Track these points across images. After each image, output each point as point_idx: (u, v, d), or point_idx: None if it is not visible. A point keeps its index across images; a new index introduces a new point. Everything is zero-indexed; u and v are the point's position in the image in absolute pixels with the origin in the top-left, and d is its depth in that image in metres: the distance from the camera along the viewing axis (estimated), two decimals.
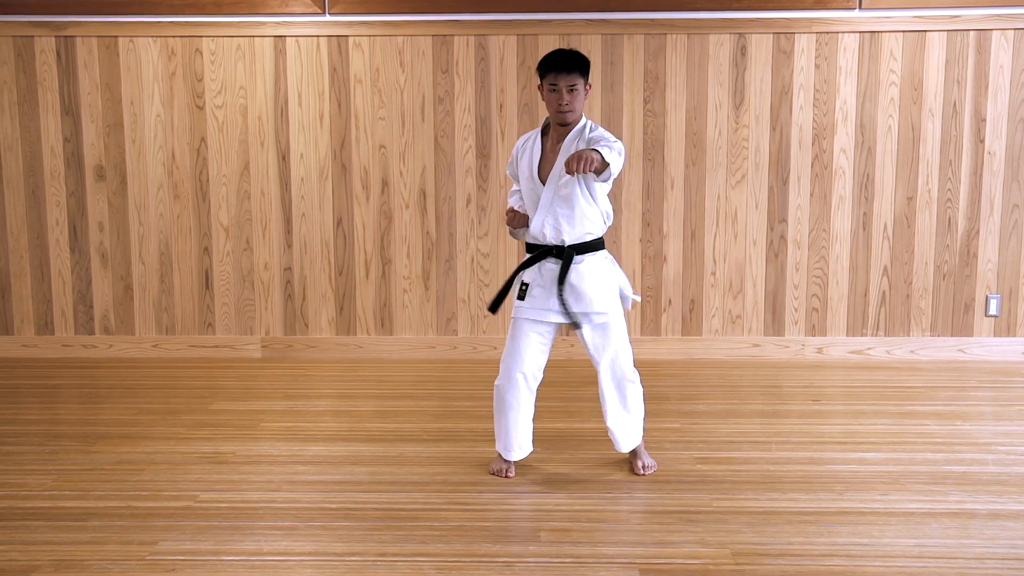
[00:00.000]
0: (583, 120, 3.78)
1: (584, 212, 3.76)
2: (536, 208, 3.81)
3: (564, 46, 5.69)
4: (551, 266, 3.81)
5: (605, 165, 3.51)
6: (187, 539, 3.38)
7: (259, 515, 3.59)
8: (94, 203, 5.95)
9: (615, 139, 3.67)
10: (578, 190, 3.73)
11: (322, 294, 6.00)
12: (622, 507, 3.64)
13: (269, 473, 4.03)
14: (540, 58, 3.80)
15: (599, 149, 3.52)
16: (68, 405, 5.18)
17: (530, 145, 3.87)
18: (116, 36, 5.80)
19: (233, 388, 5.38)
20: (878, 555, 3.22)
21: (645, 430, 4.58)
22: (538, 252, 3.84)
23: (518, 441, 3.95)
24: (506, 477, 3.94)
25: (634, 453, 4.03)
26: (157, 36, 5.79)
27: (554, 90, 3.69)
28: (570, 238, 3.77)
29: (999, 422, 4.71)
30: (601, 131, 3.73)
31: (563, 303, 3.77)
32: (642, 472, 3.96)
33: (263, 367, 5.84)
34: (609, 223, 3.90)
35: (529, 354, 3.87)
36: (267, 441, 4.44)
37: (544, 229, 3.78)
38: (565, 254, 3.77)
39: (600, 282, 3.81)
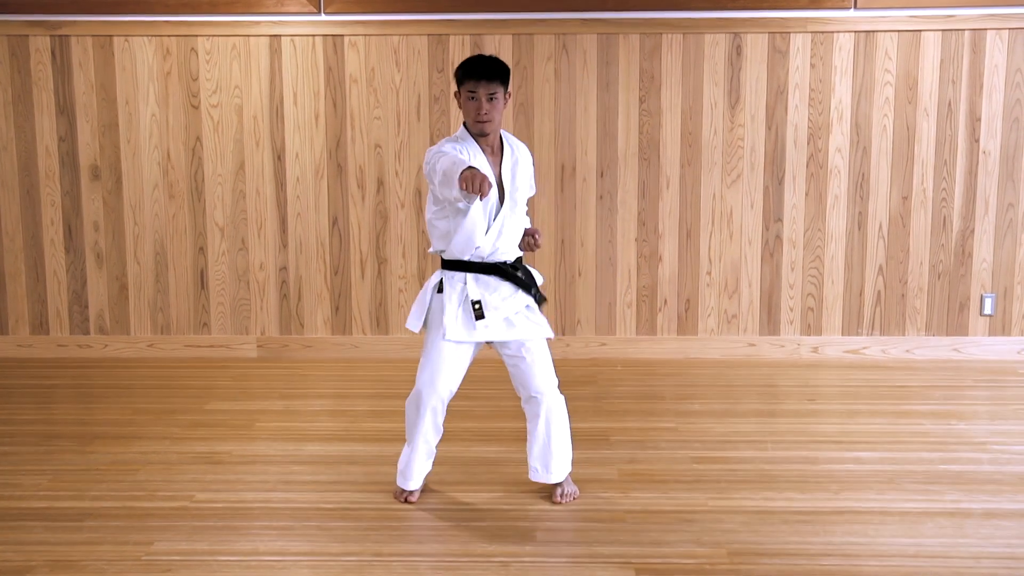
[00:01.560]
0: (502, 133, 3.62)
1: (520, 230, 3.66)
2: (481, 224, 3.51)
3: (559, 46, 5.70)
4: (498, 283, 3.57)
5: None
6: (183, 539, 3.37)
7: (255, 515, 3.59)
8: (89, 203, 5.94)
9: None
10: (524, 209, 3.70)
11: (318, 294, 6.00)
12: (618, 506, 3.64)
13: (265, 473, 4.02)
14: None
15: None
16: (63, 405, 5.17)
17: (471, 155, 3.51)
18: (111, 35, 5.79)
19: (229, 388, 5.38)
20: (874, 554, 3.22)
21: (640, 430, 4.60)
22: (480, 270, 3.57)
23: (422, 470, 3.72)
24: (407, 502, 3.69)
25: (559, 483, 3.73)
26: (152, 35, 5.78)
27: (472, 98, 3.46)
28: (513, 256, 3.61)
29: (994, 421, 4.72)
30: (529, 164, 3.67)
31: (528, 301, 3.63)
32: (561, 501, 3.68)
33: (259, 367, 5.83)
34: None
35: (455, 376, 3.62)
36: (263, 441, 4.43)
37: (497, 245, 3.54)
38: (518, 268, 3.60)
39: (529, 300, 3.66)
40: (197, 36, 5.79)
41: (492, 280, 3.58)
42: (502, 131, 3.62)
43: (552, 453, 3.66)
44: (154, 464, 4.13)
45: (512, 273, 3.58)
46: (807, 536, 3.37)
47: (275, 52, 5.80)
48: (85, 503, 3.70)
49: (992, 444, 4.32)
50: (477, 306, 3.54)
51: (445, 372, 3.57)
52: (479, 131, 3.50)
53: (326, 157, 5.88)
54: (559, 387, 3.69)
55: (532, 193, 3.75)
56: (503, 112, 3.57)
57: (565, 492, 3.70)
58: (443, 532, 3.43)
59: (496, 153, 3.59)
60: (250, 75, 5.83)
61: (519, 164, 3.63)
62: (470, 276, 3.57)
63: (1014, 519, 3.50)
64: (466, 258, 3.56)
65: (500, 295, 3.56)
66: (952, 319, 5.90)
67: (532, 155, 3.77)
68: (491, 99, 3.46)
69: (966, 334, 5.90)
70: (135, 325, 6.05)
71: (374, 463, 4.12)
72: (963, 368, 5.69)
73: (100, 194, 5.93)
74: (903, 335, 5.92)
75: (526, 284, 3.61)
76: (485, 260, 3.56)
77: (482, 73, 3.46)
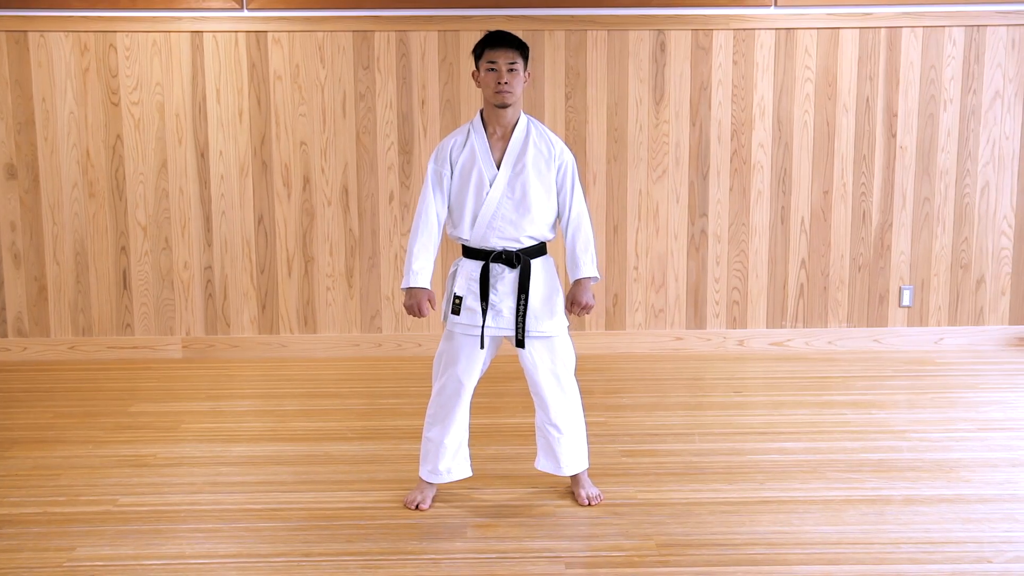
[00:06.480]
0: (524, 117, 3.48)
1: (540, 211, 3.47)
2: (479, 207, 3.45)
3: None
4: (503, 273, 3.48)
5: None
6: (106, 544, 3.31)
7: (181, 518, 3.54)
8: (5, 202, 5.79)
9: (572, 159, 3.52)
10: (539, 184, 3.46)
11: (244, 293, 5.92)
12: (548, 501, 3.66)
13: (191, 475, 3.97)
14: (466, 50, 3.53)
15: (584, 259, 3.58)
16: None
17: (469, 141, 3.47)
18: (26, 31, 5.65)
19: (153, 390, 5.29)
20: (798, 542, 3.29)
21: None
22: (484, 257, 3.48)
23: (448, 461, 3.65)
24: (417, 509, 3.58)
25: (576, 480, 3.69)
26: (69, 31, 5.66)
27: (492, 69, 3.38)
28: (523, 242, 3.47)
29: (913, 410, 4.84)
30: (565, 153, 3.50)
31: (518, 318, 3.47)
32: (587, 504, 3.61)
33: (184, 368, 5.75)
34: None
35: (468, 364, 3.53)
36: (189, 443, 4.37)
37: (489, 232, 3.46)
38: (519, 260, 3.46)
39: (551, 293, 3.56)
40: (116, 32, 5.68)
41: (496, 268, 3.48)
42: (531, 120, 3.52)
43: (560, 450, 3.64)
44: (76, 468, 4.05)
45: (505, 263, 3.48)
46: (734, 526, 3.42)
47: (197, 48, 5.71)
48: (4, 510, 3.61)
49: (911, 432, 4.43)
50: (457, 301, 3.50)
51: (451, 359, 3.55)
52: (499, 102, 3.41)
53: (251, 154, 5.81)
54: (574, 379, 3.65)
55: (565, 197, 3.52)
56: (523, 87, 3.45)
57: (591, 495, 3.64)
58: (373, 531, 3.41)
59: (506, 137, 3.48)
60: (172, 72, 5.73)
61: (531, 154, 3.46)
62: (464, 262, 3.53)
63: (932, 505, 3.59)
64: (471, 244, 3.51)
65: (498, 287, 3.49)
66: (872, 311, 6.03)
67: (574, 156, 3.58)
68: (511, 70, 3.39)
69: (885, 325, 6.04)
70: (55, 327, 5.92)
71: (302, 463, 4.09)
72: (883, 359, 5.82)
73: (17, 193, 5.79)
74: (825, 327, 6.03)
75: (524, 279, 3.48)
76: (479, 246, 3.50)
77: (501, 43, 3.41)
